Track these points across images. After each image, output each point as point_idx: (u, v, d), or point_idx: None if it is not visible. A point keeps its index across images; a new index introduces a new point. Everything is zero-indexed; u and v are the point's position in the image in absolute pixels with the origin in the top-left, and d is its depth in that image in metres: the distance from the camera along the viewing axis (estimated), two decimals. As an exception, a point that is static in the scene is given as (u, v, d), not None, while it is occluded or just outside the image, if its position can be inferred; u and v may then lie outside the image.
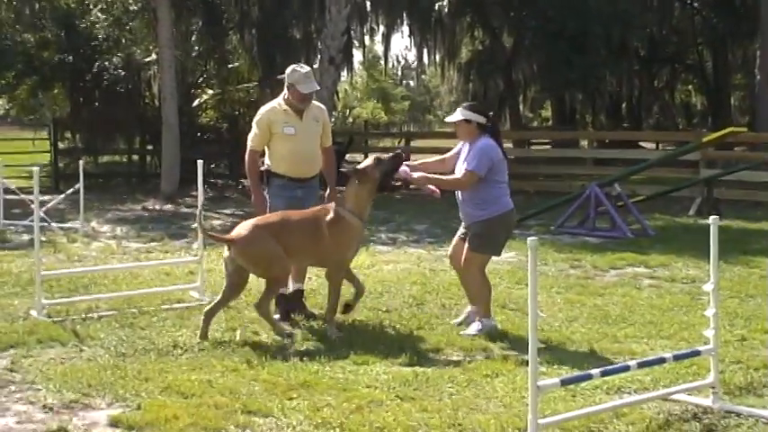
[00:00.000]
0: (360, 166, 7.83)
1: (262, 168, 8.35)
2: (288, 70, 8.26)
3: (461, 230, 7.91)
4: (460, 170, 7.66)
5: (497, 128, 7.95)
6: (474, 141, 7.63)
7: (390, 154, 7.93)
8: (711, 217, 5.73)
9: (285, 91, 8.26)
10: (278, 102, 8.31)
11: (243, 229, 7.55)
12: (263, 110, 8.34)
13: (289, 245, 7.49)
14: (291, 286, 8.33)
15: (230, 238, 7.55)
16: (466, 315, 7.89)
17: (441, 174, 7.89)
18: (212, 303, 7.71)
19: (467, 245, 7.72)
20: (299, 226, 7.60)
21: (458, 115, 7.70)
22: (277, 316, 7.92)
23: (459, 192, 7.74)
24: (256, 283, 9.39)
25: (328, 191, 8.27)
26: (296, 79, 8.11)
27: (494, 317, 7.77)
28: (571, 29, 24.04)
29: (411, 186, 7.98)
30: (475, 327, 7.61)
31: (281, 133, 8.14)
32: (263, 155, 8.36)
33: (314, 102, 8.34)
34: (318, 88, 8.36)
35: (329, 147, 8.51)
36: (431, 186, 7.75)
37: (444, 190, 7.82)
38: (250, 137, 8.32)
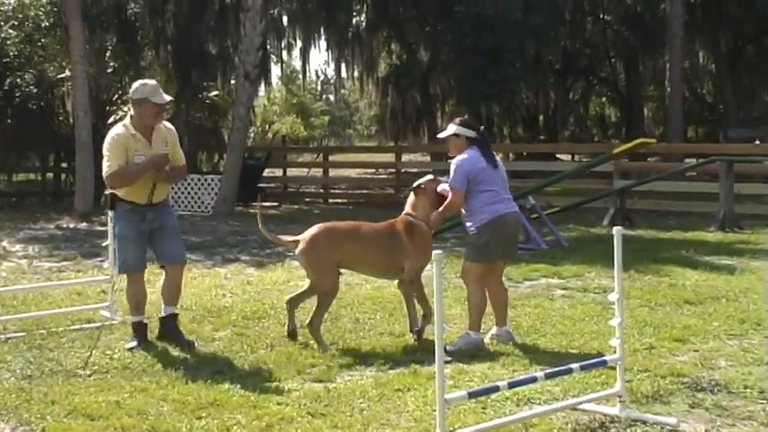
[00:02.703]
0: (417, 183, 7.90)
1: (106, 192, 7.92)
2: (135, 85, 7.81)
3: None
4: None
5: (486, 140, 8.00)
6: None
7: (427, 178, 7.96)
8: (615, 228, 5.83)
9: (131, 112, 7.83)
10: (124, 125, 7.79)
11: (312, 229, 7.67)
12: (112, 134, 7.70)
13: (359, 254, 7.70)
14: (164, 311, 7.98)
15: (296, 239, 7.69)
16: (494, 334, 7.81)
17: None
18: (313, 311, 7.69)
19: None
20: (372, 237, 7.75)
21: (447, 131, 7.83)
22: (134, 343, 7.67)
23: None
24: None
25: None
26: (149, 92, 7.64)
27: (481, 332, 7.74)
28: (486, 43, 24.27)
29: None
30: (460, 341, 7.59)
31: (132, 162, 7.64)
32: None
33: (163, 123, 7.91)
34: (170, 98, 7.90)
35: (180, 165, 8.06)
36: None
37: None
38: (106, 165, 7.62)
